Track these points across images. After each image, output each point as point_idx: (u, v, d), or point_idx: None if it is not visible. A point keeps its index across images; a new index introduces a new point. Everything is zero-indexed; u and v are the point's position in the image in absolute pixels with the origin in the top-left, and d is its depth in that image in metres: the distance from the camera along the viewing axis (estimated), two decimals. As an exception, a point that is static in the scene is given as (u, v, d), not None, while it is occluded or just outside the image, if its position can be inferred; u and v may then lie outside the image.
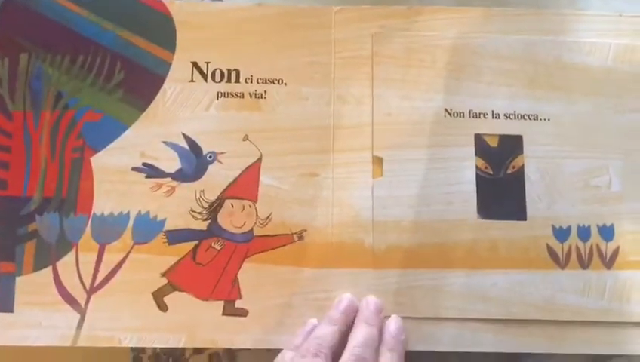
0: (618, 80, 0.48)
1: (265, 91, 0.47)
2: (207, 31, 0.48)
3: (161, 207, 0.45)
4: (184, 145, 0.46)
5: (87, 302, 0.43)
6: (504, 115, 0.47)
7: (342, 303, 0.43)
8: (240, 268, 0.44)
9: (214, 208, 0.45)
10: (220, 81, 0.47)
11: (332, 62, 0.47)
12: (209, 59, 0.47)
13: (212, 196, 0.45)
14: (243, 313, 0.43)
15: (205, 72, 0.47)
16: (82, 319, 0.43)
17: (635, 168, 0.46)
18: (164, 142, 0.46)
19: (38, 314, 0.43)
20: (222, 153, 0.46)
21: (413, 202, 0.45)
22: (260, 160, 0.46)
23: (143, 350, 0.45)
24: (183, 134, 0.46)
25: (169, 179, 0.45)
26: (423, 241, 0.44)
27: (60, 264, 0.44)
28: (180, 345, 0.43)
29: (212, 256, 0.44)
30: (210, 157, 0.46)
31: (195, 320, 0.43)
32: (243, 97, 0.47)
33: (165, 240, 0.44)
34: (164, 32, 0.48)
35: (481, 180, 0.46)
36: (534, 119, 0.47)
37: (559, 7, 0.51)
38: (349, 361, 0.39)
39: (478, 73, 0.47)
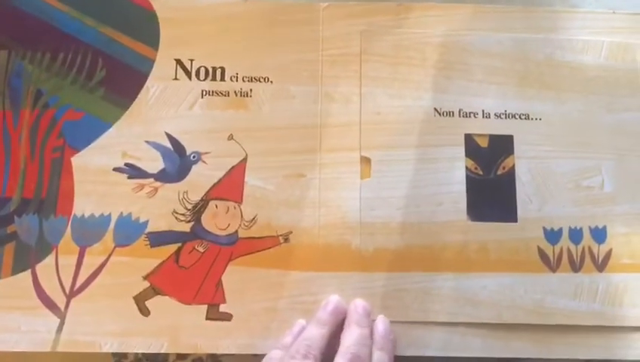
0: (611, 78, 0.47)
1: (251, 89, 0.46)
2: (192, 27, 0.47)
3: (143, 208, 0.44)
4: (167, 144, 0.45)
5: (67, 306, 0.42)
6: (495, 114, 0.46)
7: (329, 305, 0.42)
8: (224, 271, 0.43)
9: (198, 209, 0.44)
10: (205, 79, 0.46)
11: (319, 60, 0.46)
12: (193, 57, 0.46)
13: (196, 197, 0.44)
14: (227, 317, 0.42)
15: (189, 69, 0.46)
16: (62, 323, 0.42)
17: (627, 169, 0.45)
18: (147, 142, 0.45)
19: (17, 319, 0.42)
20: (206, 153, 0.45)
21: (402, 203, 0.44)
22: (245, 160, 0.45)
23: (124, 355, 0.44)
24: (167, 133, 0.45)
25: (152, 179, 0.44)
26: (411, 243, 0.44)
27: (39, 267, 0.43)
28: (163, 351, 0.42)
29: (195, 259, 0.43)
30: (194, 157, 0.45)
31: (177, 325, 0.42)
32: (228, 96, 0.46)
33: (147, 242, 0.43)
34: (147, 28, 0.46)
35: (471, 181, 0.45)
36: (525, 119, 0.46)
37: (551, 4, 0.50)
38: (345, 360, 0.38)
39: (469, 71, 0.46)
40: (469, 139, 0.45)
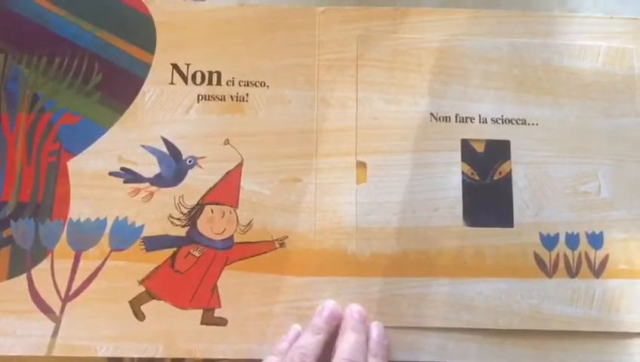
0: (608, 83, 0.47)
1: (247, 94, 0.46)
2: (188, 32, 0.47)
3: (139, 212, 0.44)
4: (163, 149, 0.45)
5: (62, 311, 0.42)
6: (491, 119, 0.46)
7: (325, 311, 0.42)
8: (220, 275, 0.43)
9: (194, 214, 0.44)
10: (201, 83, 0.46)
11: (316, 65, 0.46)
12: (190, 61, 0.46)
13: (191, 201, 0.44)
14: (222, 322, 0.42)
15: (186, 73, 0.46)
16: (57, 328, 0.42)
17: (625, 174, 0.45)
18: (143, 146, 0.45)
19: (13, 323, 0.42)
20: (202, 157, 0.45)
21: (398, 208, 0.44)
22: (241, 164, 0.45)
23: (119, 360, 0.44)
24: (163, 138, 0.45)
25: (147, 184, 0.44)
26: (407, 248, 0.43)
27: (34, 271, 0.43)
28: (158, 355, 0.42)
29: (191, 264, 0.43)
30: (190, 161, 0.44)
31: (173, 330, 0.42)
32: (224, 100, 0.46)
33: (143, 246, 0.43)
34: (143, 32, 0.46)
35: (467, 186, 0.45)
36: (522, 124, 0.46)
37: (549, 9, 0.50)
38: None
39: (465, 76, 0.46)
40: (465, 144, 0.45)
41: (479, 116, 0.46)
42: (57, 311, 0.42)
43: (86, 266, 0.43)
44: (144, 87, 0.45)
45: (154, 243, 0.43)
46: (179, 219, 0.44)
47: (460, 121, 0.46)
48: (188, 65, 0.46)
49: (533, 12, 0.49)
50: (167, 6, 0.47)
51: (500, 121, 0.46)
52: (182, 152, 0.45)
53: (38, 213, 0.43)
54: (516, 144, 0.45)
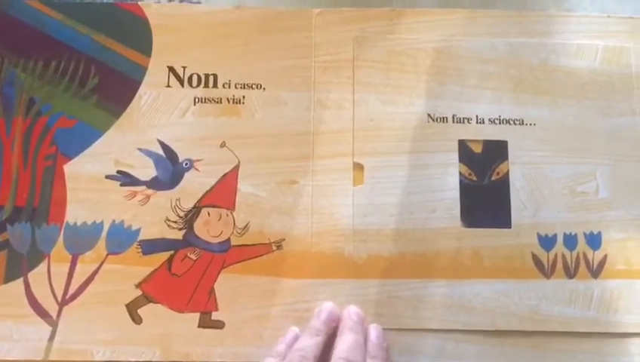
0: (606, 83, 0.46)
1: (243, 96, 0.46)
2: (184, 34, 0.47)
3: (135, 215, 0.43)
4: (160, 152, 0.45)
5: (59, 315, 0.42)
6: (489, 119, 0.46)
7: (323, 313, 0.42)
8: (217, 278, 0.43)
9: (190, 217, 0.44)
10: (197, 86, 0.46)
11: (312, 67, 0.46)
12: (186, 64, 0.46)
13: (188, 204, 0.44)
14: (219, 325, 0.42)
15: (182, 76, 0.46)
16: (54, 331, 0.42)
17: (622, 174, 0.45)
18: (140, 149, 0.45)
19: (9, 327, 0.42)
20: (199, 160, 0.44)
21: (395, 210, 0.44)
22: (237, 167, 0.44)
23: (117, 363, 0.44)
24: (159, 141, 0.45)
25: (144, 187, 0.44)
26: (404, 250, 0.43)
27: (31, 275, 0.42)
28: (155, 359, 0.42)
29: (188, 267, 0.43)
30: (186, 164, 0.44)
31: (170, 333, 0.42)
32: (221, 103, 0.46)
33: (140, 250, 0.43)
34: (140, 35, 0.46)
35: (464, 187, 0.44)
36: (520, 124, 0.46)
37: (546, 8, 0.49)
38: None
39: (462, 77, 0.46)
40: (462, 144, 0.45)
41: (476, 117, 0.46)
42: (54, 315, 0.42)
43: (83, 270, 0.43)
44: (140, 90, 0.45)
45: (151, 247, 0.43)
46: (175, 222, 0.43)
47: (457, 122, 0.45)
48: (184, 67, 0.46)
49: (529, 12, 0.48)
50: (163, 9, 0.47)
51: (497, 122, 0.46)
52: (178, 155, 0.44)
53: (34, 217, 0.43)
54: (514, 144, 0.45)
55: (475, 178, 0.45)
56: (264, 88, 0.46)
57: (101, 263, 0.43)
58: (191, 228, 0.43)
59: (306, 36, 0.47)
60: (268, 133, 0.45)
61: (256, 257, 0.43)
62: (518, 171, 0.45)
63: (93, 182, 0.44)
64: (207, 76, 0.46)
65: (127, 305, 0.42)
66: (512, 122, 0.46)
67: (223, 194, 0.44)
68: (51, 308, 0.42)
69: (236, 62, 0.46)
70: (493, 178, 0.45)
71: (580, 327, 0.42)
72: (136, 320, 0.42)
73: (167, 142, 0.45)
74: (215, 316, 0.42)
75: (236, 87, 0.46)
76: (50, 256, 0.43)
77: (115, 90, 0.45)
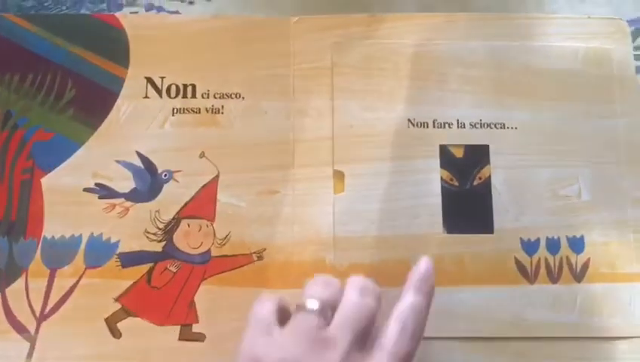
0: (587, 85, 0.46)
1: (222, 106, 0.45)
2: (162, 45, 0.46)
3: (114, 228, 0.43)
4: (138, 163, 0.44)
5: (37, 330, 0.41)
6: (470, 123, 0.45)
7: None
8: (197, 290, 0.42)
9: (170, 228, 0.43)
10: (176, 96, 0.45)
11: (291, 75, 0.46)
12: (164, 74, 0.46)
13: (168, 216, 0.43)
14: (200, 338, 0.42)
15: (160, 87, 0.46)
16: (32, 348, 0.41)
17: (605, 176, 0.44)
18: (118, 161, 0.44)
19: (-12, 344, 0.41)
20: (178, 171, 0.44)
21: (376, 217, 0.43)
22: (217, 177, 0.44)
23: (98, 378, 0.43)
24: (137, 152, 0.44)
25: (123, 199, 0.44)
26: (386, 258, 0.43)
27: (9, 291, 0.42)
28: (135, 373, 0.41)
29: (168, 279, 0.42)
30: (165, 175, 0.44)
31: (150, 347, 0.41)
32: (199, 113, 0.45)
33: (119, 263, 0.42)
34: (116, 46, 0.46)
35: (446, 192, 0.44)
36: (501, 128, 0.45)
37: (526, 10, 0.49)
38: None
39: (442, 81, 0.46)
40: (444, 149, 0.45)
41: (457, 121, 0.45)
42: (32, 331, 0.41)
43: (61, 284, 0.42)
44: (118, 102, 0.45)
45: (130, 260, 0.43)
46: (155, 234, 0.43)
47: (438, 127, 0.45)
48: (162, 78, 0.46)
49: (509, 14, 0.48)
50: (140, 19, 0.47)
51: (478, 126, 0.45)
52: (157, 166, 0.44)
53: (11, 231, 0.43)
54: (495, 148, 0.45)
55: (456, 183, 0.44)
56: (243, 97, 0.45)
57: (79, 277, 0.42)
58: (171, 239, 0.43)
59: (284, 44, 0.46)
60: (247, 142, 0.45)
61: (237, 268, 0.43)
62: (500, 175, 0.44)
63: (71, 195, 0.43)
64: (185, 86, 0.46)
65: (106, 319, 0.42)
66: (493, 126, 0.45)
67: (202, 204, 0.44)
68: (29, 323, 0.41)
69: (215, 72, 0.46)
70: (475, 183, 0.44)
71: (565, 333, 0.42)
72: (116, 334, 0.41)
73: (145, 154, 0.44)
74: (196, 328, 0.42)
75: (215, 97, 0.45)
76: (28, 270, 0.42)
77: (93, 102, 0.45)
